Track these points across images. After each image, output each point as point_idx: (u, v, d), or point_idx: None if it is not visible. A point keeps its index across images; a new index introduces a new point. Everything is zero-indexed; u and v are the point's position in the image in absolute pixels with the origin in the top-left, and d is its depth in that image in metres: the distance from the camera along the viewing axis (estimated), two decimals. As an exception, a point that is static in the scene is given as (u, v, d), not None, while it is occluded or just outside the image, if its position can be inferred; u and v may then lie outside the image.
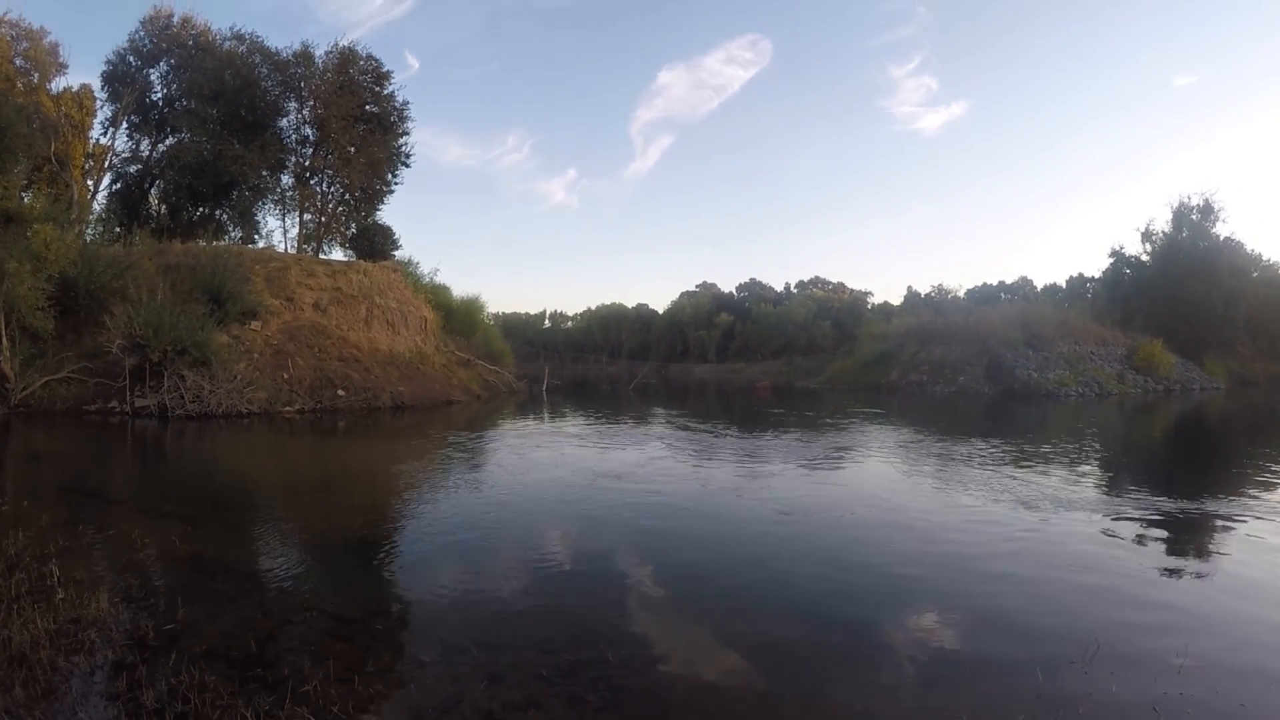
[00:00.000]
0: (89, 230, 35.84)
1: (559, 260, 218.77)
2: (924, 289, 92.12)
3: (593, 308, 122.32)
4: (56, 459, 15.92)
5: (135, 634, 6.65)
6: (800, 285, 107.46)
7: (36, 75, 36.75)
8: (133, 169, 41.93)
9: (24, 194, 26.69)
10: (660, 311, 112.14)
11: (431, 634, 7.17)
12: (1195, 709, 5.67)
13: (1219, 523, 11.67)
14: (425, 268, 47.74)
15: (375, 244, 42.51)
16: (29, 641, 6.12)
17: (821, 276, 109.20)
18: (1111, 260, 60.48)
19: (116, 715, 5.30)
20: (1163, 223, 57.00)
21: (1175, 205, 56.13)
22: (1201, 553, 10.43)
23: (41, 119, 34.30)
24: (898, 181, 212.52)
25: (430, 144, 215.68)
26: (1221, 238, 55.03)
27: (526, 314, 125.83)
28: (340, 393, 29.16)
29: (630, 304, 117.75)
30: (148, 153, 41.86)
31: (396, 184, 44.96)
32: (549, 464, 17.62)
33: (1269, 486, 14.67)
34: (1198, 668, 6.35)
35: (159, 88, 41.48)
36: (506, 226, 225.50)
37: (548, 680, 6.18)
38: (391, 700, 5.85)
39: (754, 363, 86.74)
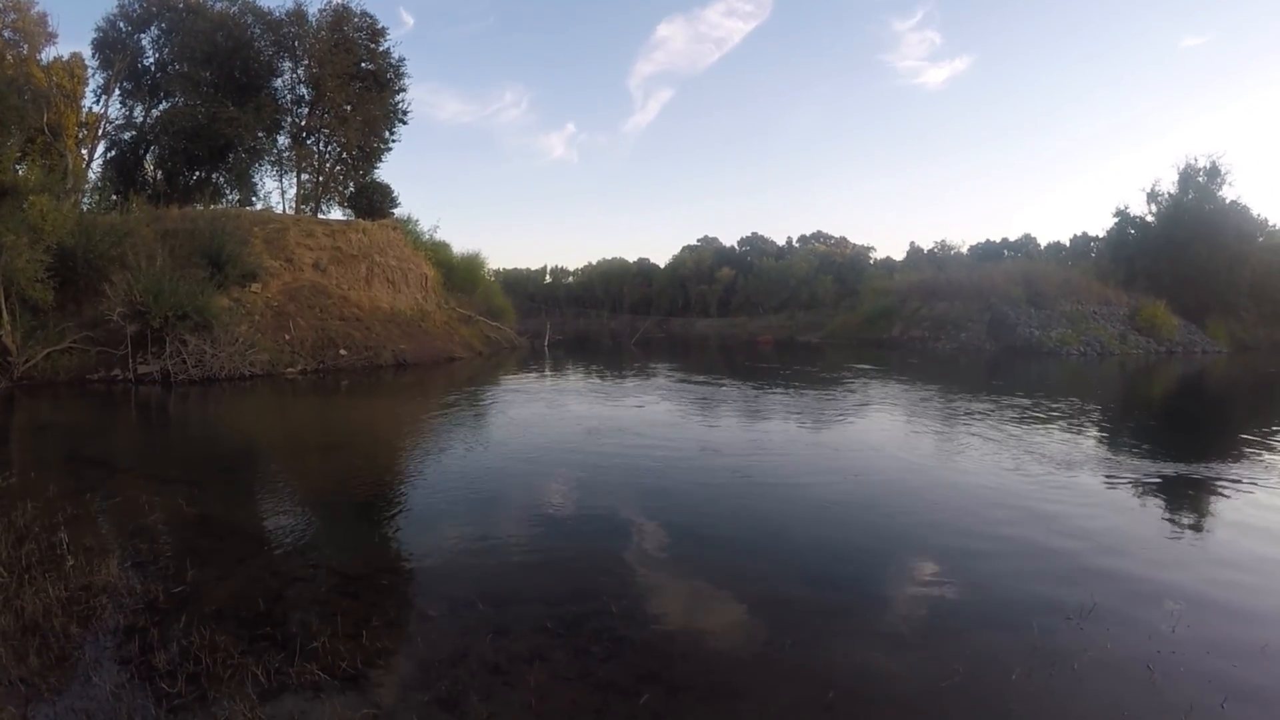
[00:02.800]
0: (85, 199, 35.54)
1: (559, 215, 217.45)
2: (927, 245, 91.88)
3: (594, 263, 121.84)
4: (61, 429, 15.99)
5: (146, 598, 6.75)
6: (802, 239, 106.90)
7: (25, 46, 36.21)
8: (127, 136, 41.51)
9: (18, 166, 26.44)
10: (662, 266, 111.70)
11: (437, 589, 7.29)
12: (1188, 669, 5.75)
13: (1220, 487, 11.65)
14: (425, 225, 47.59)
15: (374, 202, 42.31)
16: (41, 610, 6.20)
17: (824, 231, 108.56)
18: (1116, 220, 59.68)
19: (130, 679, 5.39)
20: (1169, 184, 56.09)
21: (1182, 167, 55.17)
22: (1201, 516, 10.45)
23: (33, 90, 33.92)
24: (900, 136, 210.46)
25: (427, 101, 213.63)
26: (1228, 201, 54.09)
27: (528, 269, 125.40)
28: (342, 352, 29.23)
29: (631, 258, 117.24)
30: (141, 119, 41.45)
31: (394, 141, 44.66)
32: (551, 420, 17.71)
33: (1271, 452, 14.63)
34: (1191, 627, 6.44)
35: (150, 53, 40.97)
36: (506, 182, 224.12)
37: (552, 632, 6.28)
38: (399, 654, 5.96)
39: (756, 317, 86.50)
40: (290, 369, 26.69)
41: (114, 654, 5.80)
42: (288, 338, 28.07)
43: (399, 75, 42.66)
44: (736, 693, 5.42)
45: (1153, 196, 56.84)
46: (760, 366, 35.99)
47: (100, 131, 40.53)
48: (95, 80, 40.15)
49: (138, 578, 7.20)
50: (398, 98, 43.16)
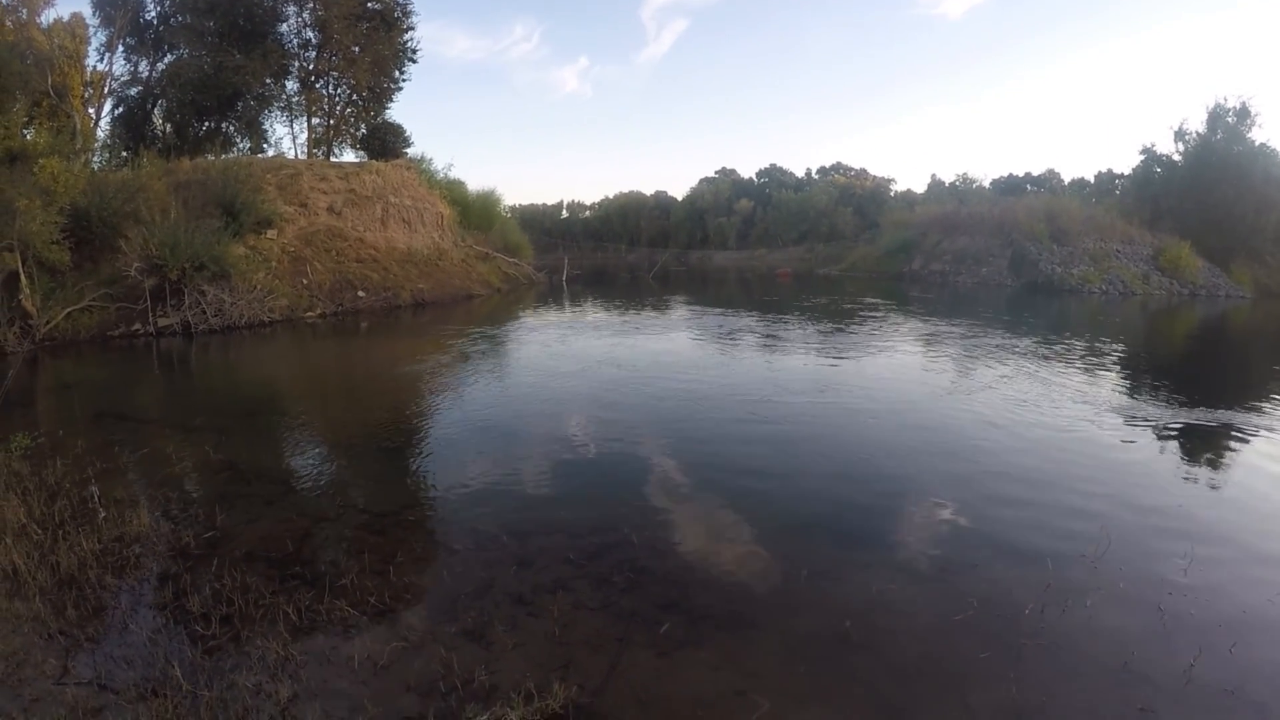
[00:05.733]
0: (95, 158, 35.51)
1: (574, 150, 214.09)
2: (948, 178, 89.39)
3: (610, 196, 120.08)
4: (87, 386, 16.15)
5: (177, 545, 6.91)
6: (822, 171, 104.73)
7: (25, 10, 35.66)
8: (133, 91, 41.01)
9: (26, 130, 26.33)
10: (679, 199, 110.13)
11: (462, 523, 7.43)
12: (1198, 610, 5.82)
13: (1237, 431, 11.58)
14: (439, 164, 47.30)
15: (386, 143, 42.00)
16: (77, 563, 6.37)
17: (843, 162, 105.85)
18: (1142, 158, 57.98)
19: (165, 624, 5.56)
20: (1197, 123, 53.92)
21: (1211, 106, 53.36)
22: (1217, 460, 10.40)
23: (35, 53, 33.47)
24: (921, 67, 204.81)
25: (436, 38, 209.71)
26: (1257, 144, 52.22)
27: (544, 205, 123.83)
28: (360, 294, 29.30)
29: (648, 191, 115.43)
30: (147, 73, 40.90)
31: (404, 81, 43.92)
32: (570, 355, 17.77)
33: None
34: (1203, 571, 6.48)
35: (152, 6, 40.21)
36: (519, 118, 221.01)
37: (575, 564, 6.41)
38: (426, 588, 6.12)
39: (775, 249, 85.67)
40: (309, 313, 26.79)
41: (149, 601, 5.97)
42: (305, 282, 28.14)
43: (406, 13, 41.96)
44: (755, 622, 5.53)
45: (1180, 135, 55.25)
46: (784, 301, 35.85)
47: (106, 89, 40.13)
48: (98, 38, 39.56)
49: (168, 526, 7.37)
50: (406, 36, 42.50)
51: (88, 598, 5.90)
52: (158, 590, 6.09)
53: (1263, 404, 13.95)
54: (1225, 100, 53.07)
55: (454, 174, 47.44)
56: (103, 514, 7.41)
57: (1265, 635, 5.56)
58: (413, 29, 42.63)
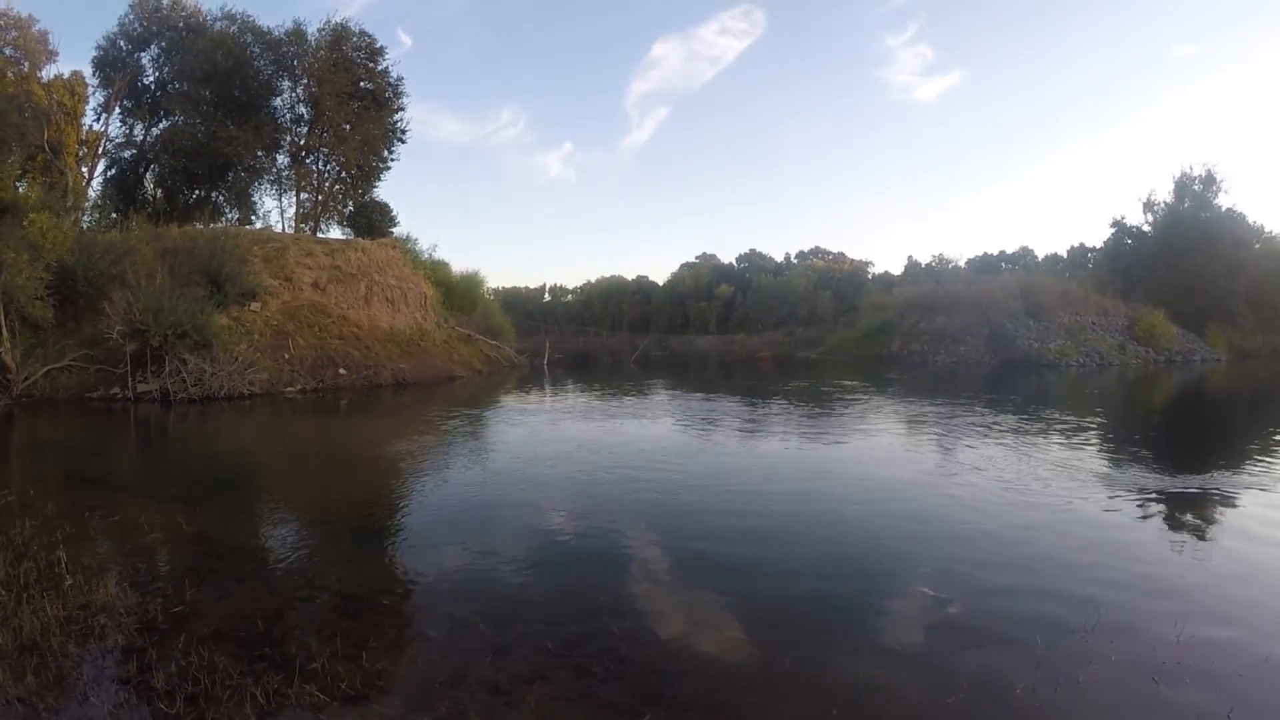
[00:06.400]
0: (85, 217, 35.79)
1: (558, 234, 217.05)
2: (924, 259, 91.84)
3: (593, 281, 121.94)
4: (61, 447, 15.95)
5: (144, 617, 6.71)
6: (800, 255, 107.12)
7: (26, 64, 36.24)
8: (127, 154, 41.65)
9: (19, 183, 26.48)
10: (660, 283, 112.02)
11: (437, 609, 7.25)
12: (1193, 679, 5.71)
13: (1221, 496, 11.65)
14: (424, 244, 47.88)
15: (373, 221, 42.50)
16: (39, 629, 6.17)
17: (821, 246, 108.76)
18: (1113, 230, 60.19)
19: (128, 699, 5.36)
20: (1165, 193, 56.60)
21: (1177, 176, 55.70)
22: (1203, 525, 10.43)
23: (33, 108, 33.99)
24: (896, 151, 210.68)
25: (425, 120, 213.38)
26: (1223, 209, 54.48)
27: (526, 288, 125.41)
28: (341, 371, 29.22)
29: (630, 276, 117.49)
30: (141, 137, 41.56)
31: (393, 160, 44.85)
32: (551, 440, 17.67)
33: (1272, 459, 14.63)
34: (1195, 639, 6.39)
35: (150, 71, 41.15)
36: (504, 201, 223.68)
37: (553, 653, 6.24)
38: (399, 675, 5.92)
39: (755, 334, 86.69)
40: (289, 388, 26.67)
41: (112, 673, 5.77)
42: (287, 357, 28.07)
43: (397, 94, 42.97)
44: (739, 712, 5.39)
45: (1149, 206, 57.22)
46: (764, 385, 35.99)
47: (100, 149, 40.66)
48: (95, 98, 40.35)
49: (136, 597, 7.16)
50: (396, 117, 43.45)
51: (49, 665, 5.69)
52: (121, 663, 5.89)
53: (1244, 465, 14.12)
54: (1191, 169, 55.48)
55: (438, 255, 48.08)
56: (69, 580, 7.21)
57: (1261, 698, 5.49)
58: (403, 110, 43.69)
